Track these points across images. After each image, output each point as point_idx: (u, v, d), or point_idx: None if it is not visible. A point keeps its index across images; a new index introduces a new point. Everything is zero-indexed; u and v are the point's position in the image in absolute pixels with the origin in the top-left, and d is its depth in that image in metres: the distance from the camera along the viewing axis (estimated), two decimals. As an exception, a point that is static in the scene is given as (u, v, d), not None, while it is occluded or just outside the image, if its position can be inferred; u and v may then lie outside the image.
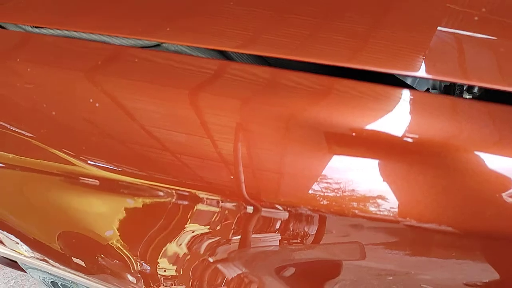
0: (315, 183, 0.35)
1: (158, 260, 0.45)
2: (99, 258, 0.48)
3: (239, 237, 0.40)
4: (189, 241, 0.43)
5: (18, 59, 0.45)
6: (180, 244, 0.43)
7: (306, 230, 0.38)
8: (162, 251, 0.44)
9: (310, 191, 0.35)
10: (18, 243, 0.54)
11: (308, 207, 0.36)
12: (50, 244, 0.50)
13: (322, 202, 0.35)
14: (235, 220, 0.40)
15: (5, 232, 0.54)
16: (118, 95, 0.41)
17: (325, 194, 0.35)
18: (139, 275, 0.46)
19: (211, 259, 0.43)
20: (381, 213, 0.34)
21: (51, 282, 0.73)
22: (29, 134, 0.45)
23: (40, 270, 0.65)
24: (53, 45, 0.45)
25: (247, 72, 0.39)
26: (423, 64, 0.34)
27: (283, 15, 0.41)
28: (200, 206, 0.41)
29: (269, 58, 0.42)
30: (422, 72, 0.34)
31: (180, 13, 0.44)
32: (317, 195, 0.35)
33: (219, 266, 0.42)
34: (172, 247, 0.44)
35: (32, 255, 0.54)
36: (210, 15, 0.43)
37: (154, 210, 0.43)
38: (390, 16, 0.39)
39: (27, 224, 0.52)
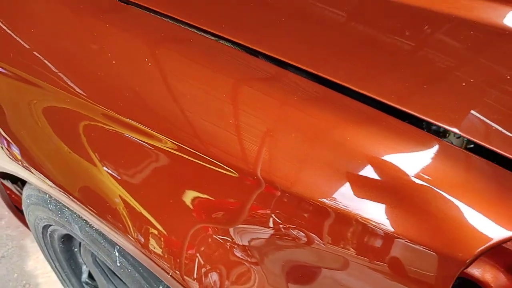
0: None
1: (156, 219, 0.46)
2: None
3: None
4: (193, 200, 0.45)
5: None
6: (186, 204, 0.45)
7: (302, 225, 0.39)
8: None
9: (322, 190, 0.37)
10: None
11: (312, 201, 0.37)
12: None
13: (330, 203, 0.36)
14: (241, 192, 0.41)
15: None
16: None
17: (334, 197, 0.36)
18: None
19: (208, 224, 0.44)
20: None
21: (43, 226, 0.74)
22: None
23: (40, 205, 0.65)
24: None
25: (299, 84, 0.41)
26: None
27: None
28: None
29: None
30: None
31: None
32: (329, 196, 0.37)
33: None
34: (180, 205, 0.45)
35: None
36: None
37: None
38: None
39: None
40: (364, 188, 0.36)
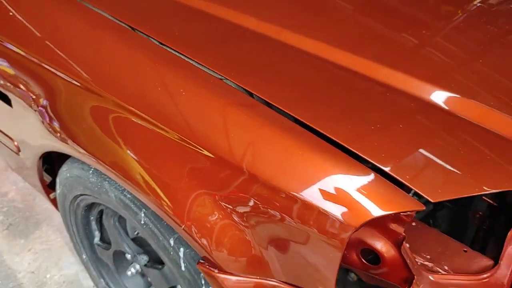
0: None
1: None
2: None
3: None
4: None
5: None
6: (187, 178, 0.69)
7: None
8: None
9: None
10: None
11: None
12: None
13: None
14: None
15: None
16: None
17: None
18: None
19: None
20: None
21: (73, 196, 0.98)
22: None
23: (82, 178, 0.90)
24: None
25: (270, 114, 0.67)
26: None
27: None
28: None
29: None
30: None
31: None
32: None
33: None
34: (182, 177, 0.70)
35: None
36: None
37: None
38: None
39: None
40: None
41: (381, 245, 0.68)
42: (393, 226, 0.67)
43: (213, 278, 0.70)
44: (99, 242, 1.08)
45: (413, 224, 0.81)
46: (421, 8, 1.07)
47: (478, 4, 1.11)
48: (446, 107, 0.75)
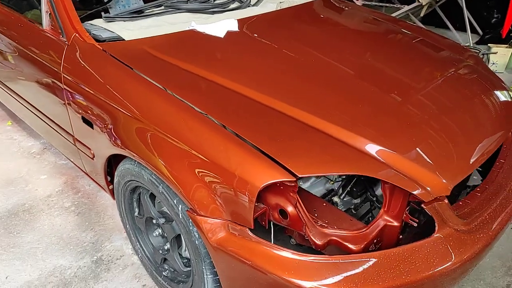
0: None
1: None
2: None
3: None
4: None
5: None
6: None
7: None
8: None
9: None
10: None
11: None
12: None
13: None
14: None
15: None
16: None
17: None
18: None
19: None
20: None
21: (125, 182, 1.63)
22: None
23: (137, 171, 1.55)
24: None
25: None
26: None
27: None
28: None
29: None
30: None
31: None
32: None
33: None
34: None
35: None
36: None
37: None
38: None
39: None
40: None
41: (285, 205, 1.20)
42: (290, 194, 1.21)
43: (195, 219, 1.29)
44: (137, 215, 1.72)
45: (324, 204, 1.36)
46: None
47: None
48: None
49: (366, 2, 4.10)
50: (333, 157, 1.25)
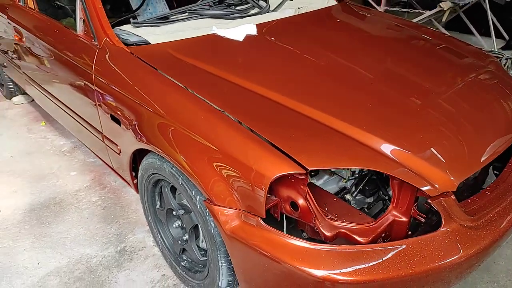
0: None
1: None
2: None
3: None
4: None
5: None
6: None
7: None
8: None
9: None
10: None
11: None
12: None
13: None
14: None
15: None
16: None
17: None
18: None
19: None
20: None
21: (148, 175, 1.73)
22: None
23: (159, 165, 1.65)
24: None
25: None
26: None
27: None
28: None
29: None
30: None
31: None
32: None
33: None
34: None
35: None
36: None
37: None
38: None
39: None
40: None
41: (296, 198, 1.27)
42: (301, 187, 1.28)
43: (211, 209, 1.37)
44: (159, 207, 1.82)
45: (334, 199, 1.42)
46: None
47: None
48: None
49: (389, 8, 4.13)
50: (344, 153, 1.30)
